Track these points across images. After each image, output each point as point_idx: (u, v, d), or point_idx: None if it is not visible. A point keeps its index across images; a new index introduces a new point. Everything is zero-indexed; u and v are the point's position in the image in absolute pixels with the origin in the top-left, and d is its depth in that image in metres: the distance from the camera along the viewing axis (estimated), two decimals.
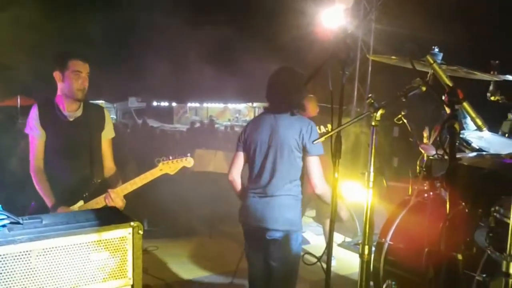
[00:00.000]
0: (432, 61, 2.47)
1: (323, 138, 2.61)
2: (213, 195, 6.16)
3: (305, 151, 2.99)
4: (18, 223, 1.82)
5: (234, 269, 4.37)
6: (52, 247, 1.79)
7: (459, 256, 1.82)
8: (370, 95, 2.40)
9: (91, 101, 3.24)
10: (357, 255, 2.39)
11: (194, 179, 6.79)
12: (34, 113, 3.03)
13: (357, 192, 4.87)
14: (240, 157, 3.18)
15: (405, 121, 4.16)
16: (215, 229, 6.10)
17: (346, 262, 5.13)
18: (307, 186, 4.57)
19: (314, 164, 2.99)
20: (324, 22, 7.24)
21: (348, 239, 5.77)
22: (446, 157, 1.99)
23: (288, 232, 2.96)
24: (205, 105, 30.26)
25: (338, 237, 5.75)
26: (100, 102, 29.50)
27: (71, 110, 3.02)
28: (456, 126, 1.93)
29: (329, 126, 5.04)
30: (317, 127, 4.95)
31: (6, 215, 1.82)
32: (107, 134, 3.19)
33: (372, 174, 2.28)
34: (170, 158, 2.89)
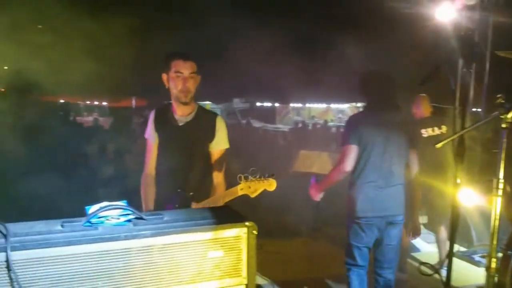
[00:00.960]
0: None
1: (446, 142, 2.43)
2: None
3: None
4: (141, 218, 1.91)
5: (336, 273, 4.28)
6: (172, 243, 1.85)
7: None
8: (499, 95, 2.20)
9: (209, 107, 3.20)
10: (473, 266, 2.21)
11: (298, 179, 6.78)
12: (151, 117, 3.05)
13: (473, 198, 4.55)
14: (355, 151, 3.32)
15: None
16: (318, 231, 6.04)
17: (461, 273, 4.79)
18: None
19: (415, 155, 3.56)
20: (438, 17, 6.84)
21: (462, 249, 5.40)
22: None
23: (403, 215, 3.45)
24: (307, 105, 30.23)
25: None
26: (207, 103, 30.80)
27: (181, 115, 2.92)
28: None
29: (444, 127, 4.77)
30: (431, 129, 4.73)
31: (132, 211, 1.91)
32: (217, 144, 2.95)
33: (501, 181, 2.09)
34: (251, 177, 2.50)
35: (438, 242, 4.87)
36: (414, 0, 7.29)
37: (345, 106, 29.38)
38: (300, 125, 17.41)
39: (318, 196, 3.63)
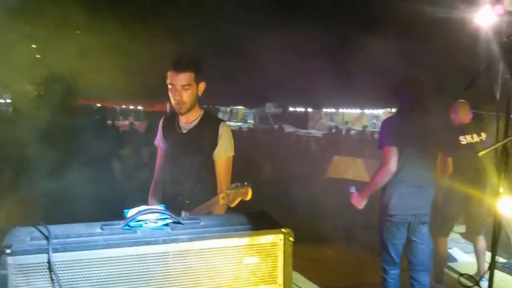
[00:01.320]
0: None
1: (489, 150, 2.36)
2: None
3: None
4: (179, 223, 1.93)
5: (372, 280, 4.22)
6: (209, 248, 1.85)
7: None
8: None
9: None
10: None
11: (332, 185, 6.73)
12: (160, 124, 3.06)
13: None
14: (396, 152, 3.47)
15: None
16: (353, 238, 5.96)
17: (501, 285, 4.63)
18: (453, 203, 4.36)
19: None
20: (478, 22, 6.66)
21: (502, 260, 5.23)
22: None
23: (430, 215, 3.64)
24: (341, 110, 29.97)
25: (490, 257, 5.24)
26: (240, 107, 30.90)
27: (185, 122, 2.89)
28: None
29: (483, 134, 4.64)
30: (469, 136, 4.61)
31: (169, 215, 1.93)
32: (220, 152, 2.85)
33: None
34: (231, 186, 2.48)
35: (476, 252, 4.73)
36: (452, 4, 7.13)
37: (380, 111, 28.95)
38: (333, 130, 17.28)
39: (362, 204, 3.73)
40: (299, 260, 5.26)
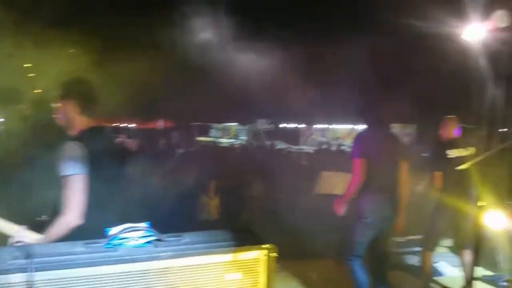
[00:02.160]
0: None
1: (470, 164, 2.39)
2: (341, 219, 6.02)
3: None
4: (161, 240, 1.94)
5: None
6: (191, 265, 1.86)
7: None
8: None
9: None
10: None
11: (321, 201, 6.72)
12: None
13: (501, 221, 4.44)
14: (364, 163, 3.98)
15: None
16: (342, 254, 5.94)
17: None
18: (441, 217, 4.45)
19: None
20: (466, 37, 6.75)
21: (489, 273, 5.24)
22: None
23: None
24: (331, 126, 30.09)
25: (479, 271, 5.26)
26: (233, 124, 30.93)
27: None
28: None
29: (471, 149, 4.69)
30: (457, 150, 4.66)
31: (152, 232, 1.94)
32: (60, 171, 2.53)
33: None
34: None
35: (463, 265, 4.75)
36: (440, 20, 7.24)
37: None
38: (324, 146, 17.33)
39: (341, 210, 4.21)
40: (288, 276, 5.28)
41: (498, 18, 6.40)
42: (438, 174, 4.63)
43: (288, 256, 5.89)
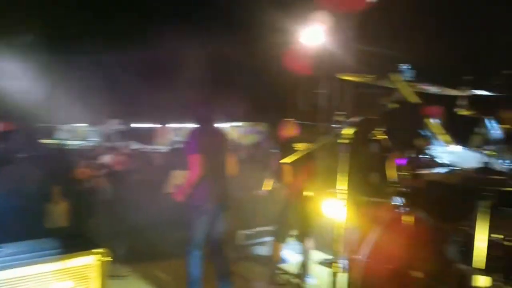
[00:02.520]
0: (397, 79, 2.50)
1: (290, 158, 2.59)
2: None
3: None
4: None
5: None
6: (15, 277, 1.73)
7: (419, 274, 1.82)
8: (339, 112, 2.42)
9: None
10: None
11: (171, 200, 6.69)
12: None
13: (337, 209, 4.86)
14: (200, 158, 4.27)
15: (382, 137, 4.17)
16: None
17: (323, 278, 5.10)
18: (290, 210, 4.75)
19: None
20: (303, 41, 7.25)
21: (329, 257, 5.72)
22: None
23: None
24: (185, 125, 30.12)
25: (320, 256, 5.72)
26: (84, 125, 29.20)
27: None
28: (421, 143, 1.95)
29: (303, 145, 5.06)
30: (299, 145, 4.99)
31: None
32: None
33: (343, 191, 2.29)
34: None
35: (305, 252, 5.10)
36: (278, 24, 7.67)
37: (227, 125, 29.69)
38: (178, 145, 17.25)
39: (181, 198, 4.42)
40: (138, 279, 5.17)
41: (320, 20, 7.03)
42: (287, 168, 4.85)
43: (139, 258, 5.81)
